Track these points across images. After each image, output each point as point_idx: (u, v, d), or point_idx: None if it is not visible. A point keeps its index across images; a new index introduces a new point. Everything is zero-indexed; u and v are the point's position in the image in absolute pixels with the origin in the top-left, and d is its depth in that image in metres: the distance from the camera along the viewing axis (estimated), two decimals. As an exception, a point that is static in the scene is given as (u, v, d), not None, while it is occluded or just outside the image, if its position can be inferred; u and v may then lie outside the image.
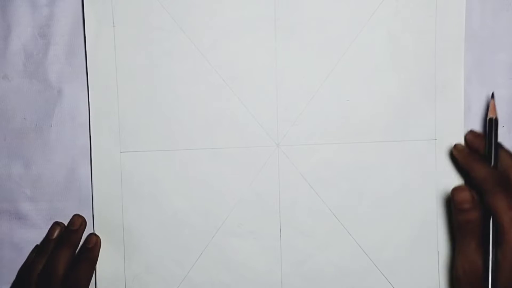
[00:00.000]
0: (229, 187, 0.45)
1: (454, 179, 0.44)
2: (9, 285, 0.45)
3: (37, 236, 0.45)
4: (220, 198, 0.45)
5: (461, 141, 0.43)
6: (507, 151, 0.41)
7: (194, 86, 0.44)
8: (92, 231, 0.45)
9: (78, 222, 0.44)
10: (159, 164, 0.44)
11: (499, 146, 0.41)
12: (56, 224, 0.45)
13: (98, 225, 0.45)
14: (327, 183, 0.44)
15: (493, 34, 0.45)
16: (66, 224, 0.45)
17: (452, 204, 0.41)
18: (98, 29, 0.44)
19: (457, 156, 0.42)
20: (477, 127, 0.44)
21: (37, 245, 0.45)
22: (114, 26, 0.44)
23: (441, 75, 0.44)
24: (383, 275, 0.44)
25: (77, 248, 0.44)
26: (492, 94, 0.42)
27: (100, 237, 0.45)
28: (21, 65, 0.45)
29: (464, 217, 0.39)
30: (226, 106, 0.44)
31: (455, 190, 0.40)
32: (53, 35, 0.44)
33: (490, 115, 0.42)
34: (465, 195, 0.40)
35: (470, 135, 0.43)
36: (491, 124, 0.41)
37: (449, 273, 0.44)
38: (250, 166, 0.45)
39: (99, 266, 0.45)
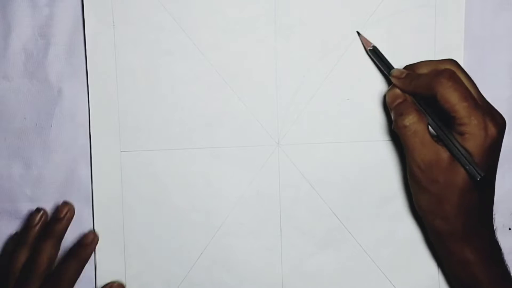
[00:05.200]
0: (229, 186, 0.45)
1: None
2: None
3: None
4: (220, 197, 0.45)
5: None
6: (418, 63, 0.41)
7: (194, 86, 0.44)
8: (92, 230, 0.45)
9: (63, 210, 0.42)
10: (159, 163, 0.44)
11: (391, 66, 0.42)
12: (37, 211, 0.43)
13: (98, 225, 0.45)
14: (327, 182, 0.44)
15: (493, 34, 0.45)
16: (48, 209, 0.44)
17: (389, 109, 0.41)
18: (98, 29, 0.44)
19: (398, 83, 0.41)
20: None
21: (17, 232, 0.44)
22: (114, 26, 0.44)
23: (441, 74, 0.44)
24: (384, 274, 0.44)
25: (61, 239, 0.42)
26: (358, 32, 0.44)
27: (100, 237, 0.44)
28: (21, 65, 0.45)
29: (403, 117, 0.39)
30: (226, 105, 0.44)
31: (387, 92, 0.41)
32: (53, 35, 0.44)
33: (368, 48, 0.43)
34: (395, 92, 0.40)
35: (395, 79, 0.41)
36: (374, 52, 0.43)
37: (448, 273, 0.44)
38: (251, 165, 0.44)
39: (99, 266, 0.44)
